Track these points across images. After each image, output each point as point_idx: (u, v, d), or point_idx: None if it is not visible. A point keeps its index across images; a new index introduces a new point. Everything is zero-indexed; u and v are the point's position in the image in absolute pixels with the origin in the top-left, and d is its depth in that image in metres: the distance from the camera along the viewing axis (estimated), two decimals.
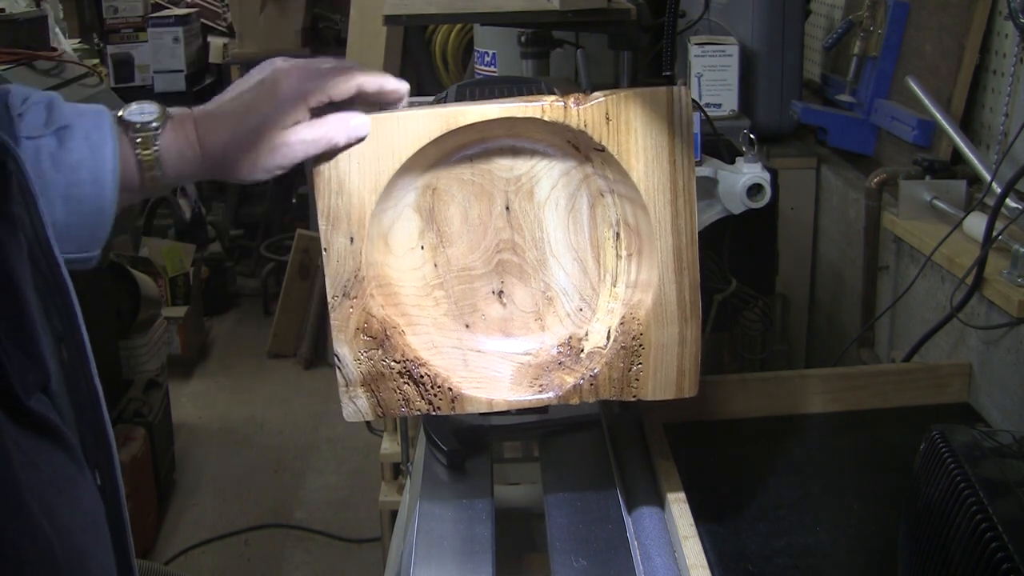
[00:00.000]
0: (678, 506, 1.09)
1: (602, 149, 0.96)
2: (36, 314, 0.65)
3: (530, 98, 0.97)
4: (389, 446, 2.34)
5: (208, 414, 3.61)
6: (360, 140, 0.94)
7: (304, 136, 0.91)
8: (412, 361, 0.99)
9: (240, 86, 0.93)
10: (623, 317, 1.00)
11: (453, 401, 1.00)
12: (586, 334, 1.02)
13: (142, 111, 0.89)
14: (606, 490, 1.13)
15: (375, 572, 2.62)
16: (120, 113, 0.88)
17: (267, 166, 0.91)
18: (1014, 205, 1.44)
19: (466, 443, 1.22)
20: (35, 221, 0.68)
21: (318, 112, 0.93)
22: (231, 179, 0.93)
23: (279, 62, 0.92)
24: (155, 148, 0.88)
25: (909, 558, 0.97)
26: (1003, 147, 1.58)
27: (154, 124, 0.88)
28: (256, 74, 0.93)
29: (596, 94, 0.96)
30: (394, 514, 2.00)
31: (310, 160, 0.95)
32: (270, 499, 3.07)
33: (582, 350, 1.02)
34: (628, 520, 1.09)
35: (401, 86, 0.97)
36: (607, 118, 0.95)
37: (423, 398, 1.00)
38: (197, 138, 0.90)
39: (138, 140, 0.88)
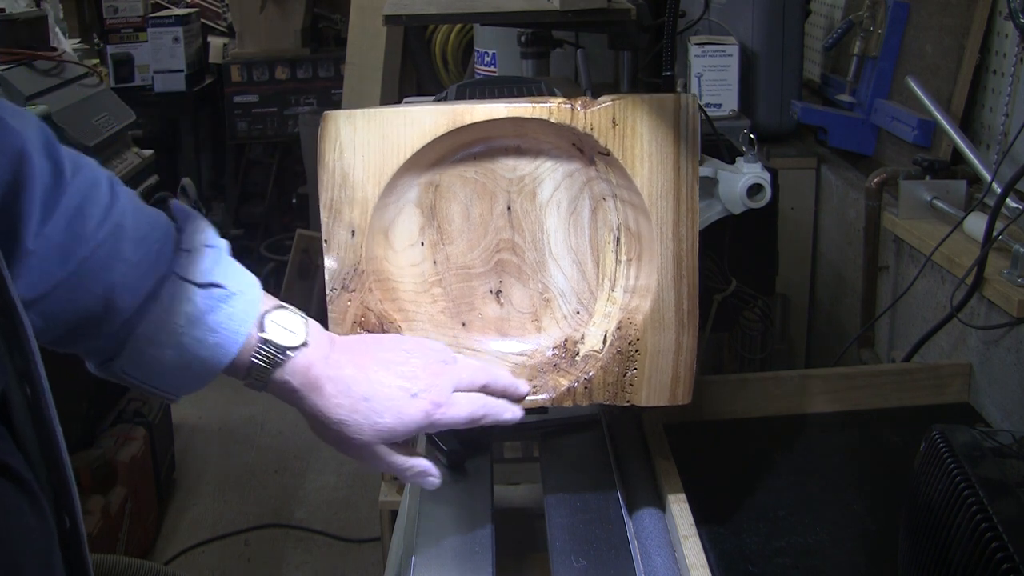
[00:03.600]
0: (678, 506, 1.09)
1: (607, 153, 0.96)
2: None
3: (538, 99, 0.97)
4: None
5: (208, 414, 3.61)
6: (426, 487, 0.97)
7: (386, 463, 0.92)
8: None
9: (380, 369, 0.90)
10: (620, 322, 1.00)
11: None
12: (582, 337, 1.02)
13: (288, 328, 0.87)
14: (606, 490, 1.13)
15: (375, 572, 2.63)
16: (270, 316, 0.86)
17: (346, 454, 0.92)
18: (1014, 205, 1.43)
19: (466, 443, 1.22)
20: None
21: None
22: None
23: (424, 417, 0.90)
24: (271, 370, 0.86)
25: (909, 558, 0.97)
26: (1003, 147, 1.58)
27: (288, 351, 0.86)
28: (407, 370, 0.91)
29: (604, 98, 0.96)
30: (394, 514, 2.00)
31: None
32: (270, 499, 3.07)
33: (577, 353, 1.01)
34: (628, 520, 1.09)
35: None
36: (613, 122, 0.95)
37: None
38: (305, 397, 0.89)
39: (262, 354, 0.86)
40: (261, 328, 0.86)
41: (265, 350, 0.85)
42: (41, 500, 0.70)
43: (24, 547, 0.68)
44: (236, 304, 0.84)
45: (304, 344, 0.87)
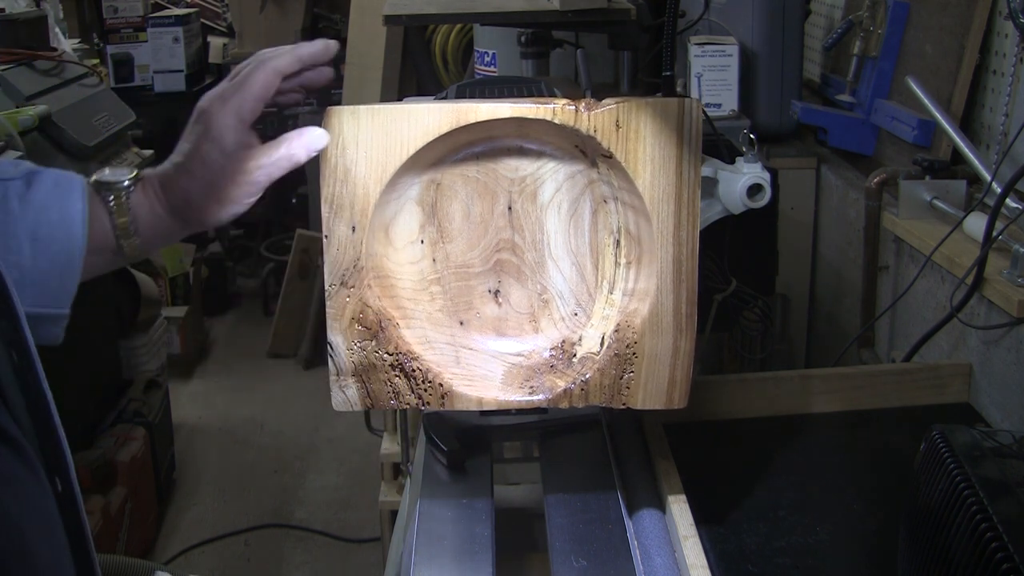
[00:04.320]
0: (678, 506, 1.09)
1: (610, 156, 0.96)
2: None
3: (542, 100, 0.97)
4: (389, 446, 2.34)
5: (208, 414, 3.61)
6: (321, 149, 0.93)
7: (261, 162, 0.90)
8: (405, 354, 0.99)
9: (184, 136, 0.92)
10: (618, 324, 1.00)
11: (443, 397, 1.00)
12: (579, 339, 1.02)
13: (115, 173, 0.90)
14: (606, 490, 1.13)
15: (375, 572, 2.62)
16: (94, 177, 0.89)
17: (235, 200, 0.90)
18: (1014, 205, 1.43)
19: (466, 443, 1.22)
20: None
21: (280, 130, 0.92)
22: (207, 225, 0.92)
23: (203, 100, 0.90)
24: (126, 204, 0.88)
25: (909, 558, 0.97)
26: (1003, 147, 1.58)
27: (126, 183, 0.89)
28: (192, 119, 0.91)
29: (607, 100, 0.96)
30: (394, 514, 2.00)
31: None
32: (270, 499, 3.07)
33: (574, 355, 1.01)
34: (628, 520, 1.09)
35: (317, 47, 0.93)
36: (617, 125, 0.95)
37: (413, 392, 1.00)
38: (163, 195, 0.90)
39: (110, 197, 0.88)
40: (93, 184, 0.89)
41: (106, 187, 0.88)
42: (35, 464, 0.71)
43: (25, 510, 0.68)
44: (56, 175, 0.87)
45: (139, 176, 0.90)
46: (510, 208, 1.00)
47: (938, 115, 1.69)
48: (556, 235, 1.01)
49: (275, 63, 0.90)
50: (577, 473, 1.18)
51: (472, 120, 0.95)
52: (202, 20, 4.58)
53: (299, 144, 0.91)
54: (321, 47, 0.93)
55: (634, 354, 0.99)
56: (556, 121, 0.96)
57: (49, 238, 0.85)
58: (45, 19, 3.02)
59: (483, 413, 1.24)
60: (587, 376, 1.00)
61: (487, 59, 2.67)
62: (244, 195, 0.90)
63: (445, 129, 0.95)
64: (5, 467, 0.67)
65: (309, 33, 4.45)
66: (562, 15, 1.74)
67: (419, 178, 0.99)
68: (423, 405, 1.00)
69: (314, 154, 0.93)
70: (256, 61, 0.90)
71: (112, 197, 0.88)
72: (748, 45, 2.22)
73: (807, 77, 2.42)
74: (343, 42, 4.11)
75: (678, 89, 2.21)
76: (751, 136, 1.19)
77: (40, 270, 0.85)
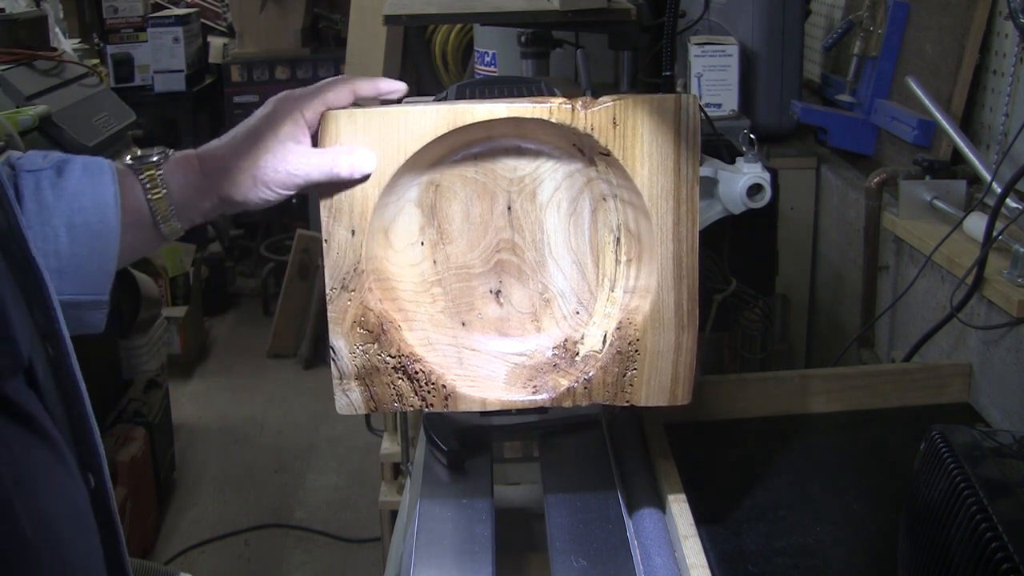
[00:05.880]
0: (678, 506, 1.10)
1: (607, 153, 0.96)
2: (9, 300, 0.66)
3: (538, 99, 0.97)
4: (389, 446, 2.35)
5: (208, 414, 3.61)
6: (364, 177, 0.94)
7: (306, 158, 0.92)
8: (407, 357, 0.99)
9: (249, 117, 0.95)
10: (620, 322, 1.00)
11: (447, 399, 1.00)
12: (582, 337, 1.02)
13: (143, 152, 0.92)
14: (606, 490, 1.13)
15: (375, 572, 2.63)
16: (127, 157, 0.92)
17: (268, 185, 0.92)
18: (1014, 205, 1.44)
19: (466, 443, 1.22)
20: (7, 211, 0.70)
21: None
22: (237, 198, 0.93)
23: (280, 93, 0.95)
24: (158, 174, 0.91)
25: (909, 558, 0.97)
26: (1003, 147, 1.58)
27: (154, 158, 0.91)
28: (263, 105, 0.95)
29: (604, 98, 0.96)
30: (394, 514, 2.00)
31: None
32: (270, 499, 3.07)
33: (577, 353, 1.01)
34: (628, 520, 1.09)
35: (397, 86, 0.98)
36: (614, 122, 0.95)
37: (416, 394, 1.00)
38: (199, 164, 0.92)
39: (142, 173, 0.91)
40: (125, 164, 0.91)
41: (138, 167, 0.90)
42: (67, 457, 0.71)
43: (56, 500, 0.69)
44: (84, 161, 0.89)
45: (167, 153, 0.93)
46: (509, 208, 1.00)
47: (938, 115, 1.69)
48: (556, 234, 1.01)
49: (355, 83, 0.95)
50: (577, 473, 1.18)
51: (469, 121, 0.95)
52: (202, 20, 4.58)
53: (344, 159, 0.93)
54: (400, 86, 0.98)
55: (637, 351, 0.99)
56: (553, 120, 0.96)
57: (84, 224, 0.86)
58: (45, 19, 3.03)
59: (483, 413, 1.24)
60: (590, 374, 1.00)
61: (487, 59, 2.67)
62: (279, 184, 0.92)
63: (442, 131, 0.95)
64: (36, 458, 0.68)
65: (309, 33, 4.45)
66: (562, 15, 1.73)
67: (418, 180, 0.99)
68: (427, 407, 1.00)
69: (356, 176, 0.94)
70: (340, 77, 0.96)
71: (144, 173, 0.90)
72: (748, 45, 2.23)
73: (807, 77, 2.42)
74: (343, 42, 4.11)
75: (678, 89, 2.21)
76: (751, 136, 1.19)
77: (78, 257, 0.86)
